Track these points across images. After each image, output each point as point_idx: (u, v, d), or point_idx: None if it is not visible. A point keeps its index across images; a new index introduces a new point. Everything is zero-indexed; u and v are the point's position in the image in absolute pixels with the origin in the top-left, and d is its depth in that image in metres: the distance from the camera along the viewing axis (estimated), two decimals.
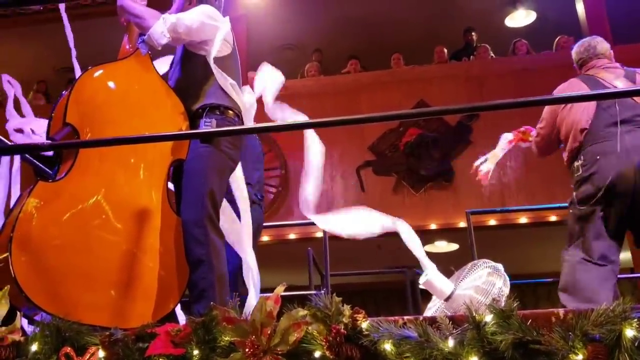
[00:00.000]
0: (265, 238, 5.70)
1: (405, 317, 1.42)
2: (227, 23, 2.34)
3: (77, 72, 2.43)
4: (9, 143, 2.11)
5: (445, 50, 7.30)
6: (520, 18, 8.26)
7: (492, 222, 6.01)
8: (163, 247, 2.09)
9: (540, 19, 8.15)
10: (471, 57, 7.35)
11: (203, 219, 2.10)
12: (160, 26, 2.17)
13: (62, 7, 2.45)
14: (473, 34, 7.69)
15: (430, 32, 8.00)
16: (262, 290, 3.08)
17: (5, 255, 1.83)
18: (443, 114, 4.15)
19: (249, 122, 2.45)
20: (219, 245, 2.14)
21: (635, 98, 2.66)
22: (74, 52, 2.52)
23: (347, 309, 1.41)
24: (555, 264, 8.54)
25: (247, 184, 3.04)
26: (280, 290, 1.47)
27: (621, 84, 2.74)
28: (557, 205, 5.30)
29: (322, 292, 3.50)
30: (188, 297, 2.15)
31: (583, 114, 2.72)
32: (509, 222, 6.07)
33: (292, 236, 6.17)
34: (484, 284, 2.42)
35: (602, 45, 3.01)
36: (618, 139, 2.61)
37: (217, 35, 2.25)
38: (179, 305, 2.18)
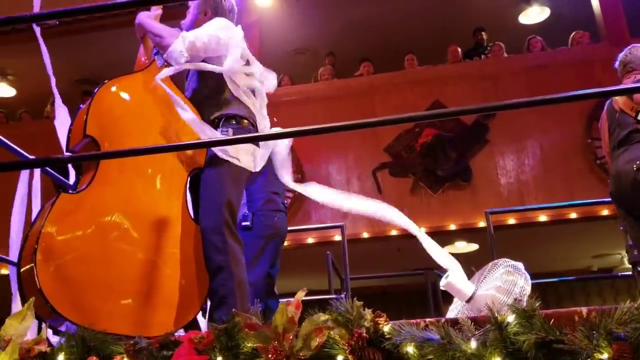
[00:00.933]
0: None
1: (427, 320, 1.42)
2: (240, 36, 2.37)
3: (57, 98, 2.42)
4: (30, 157, 2.14)
5: (459, 50, 7.27)
6: (534, 15, 8.20)
7: (512, 221, 5.96)
8: (183, 255, 2.11)
9: (555, 15, 8.08)
10: (482, 56, 7.31)
11: (221, 226, 2.12)
12: (179, 45, 2.21)
13: (37, 30, 2.49)
14: (483, 33, 7.64)
15: (442, 31, 7.97)
16: (282, 296, 3.10)
17: (30, 266, 1.85)
18: (458, 115, 4.12)
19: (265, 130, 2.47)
20: (238, 252, 2.16)
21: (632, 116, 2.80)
22: (53, 80, 2.52)
23: (368, 313, 1.41)
24: (577, 262, 8.48)
25: (275, 193, 3.08)
26: (301, 296, 1.48)
27: None
28: (577, 202, 5.27)
29: (343, 296, 3.51)
30: (209, 304, 2.16)
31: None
32: (529, 220, 6.02)
33: (310, 240, 6.18)
34: (505, 283, 2.40)
35: None
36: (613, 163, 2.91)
37: (232, 51, 2.28)
38: (200, 313, 2.19)
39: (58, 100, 2.30)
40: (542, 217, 5.99)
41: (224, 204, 2.16)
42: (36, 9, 2.18)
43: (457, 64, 7.07)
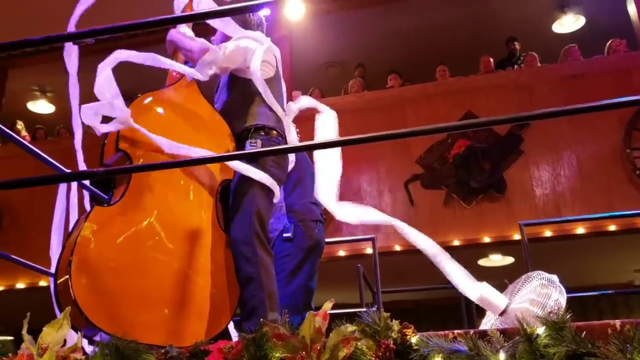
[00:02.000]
0: None
1: (456, 331, 1.40)
2: (266, 44, 2.40)
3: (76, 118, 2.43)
4: (66, 170, 2.20)
5: (492, 60, 7.22)
6: (568, 23, 8.10)
7: (548, 233, 5.85)
8: (214, 266, 2.13)
9: (590, 23, 7.97)
10: (515, 66, 7.23)
11: (251, 237, 2.14)
12: (209, 57, 2.26)
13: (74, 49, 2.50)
14: (516, 43, 7.57)
15: (474, 42, 7.93)
16: (315, 309, 3.09)
17: (65, 277, 1.90)
18: (492, 125, 4.07)
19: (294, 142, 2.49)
20: (268, 263, 2.18)
21: None
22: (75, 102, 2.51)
23: (395, 324, 1.40)
24: (619, 276, 8.27)
25: (314, 203, 3.08)
26: (328, 307, 1.48)
27: None
28: (617, 213, 5.14)
29: (374, 309, 3.48)
30: (239, 315, 2.18)
31: None
32: (566, 232, 5.89)
33: (341, 253, 6.16)
34: (539, 296, 2.35)
35: None
36: None
37: (257, 54, 2.31)
38: (231, 323, 2.21)
39: (77, 120, 2.34)
40: (580, 230, 5.85)
41: (254, 214, 2.18)
42: (71, 28, 2.25)
43: (489, 75, 7.01)
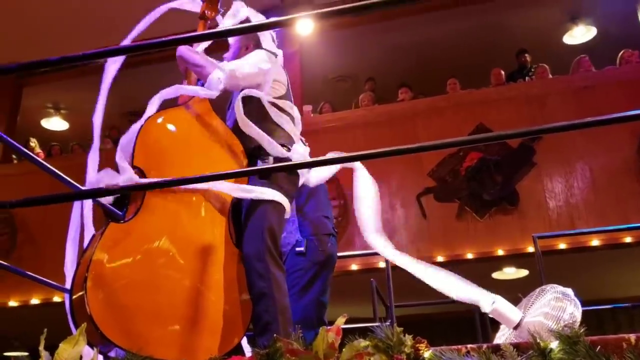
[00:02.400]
0: None
1: (469, 346, 1.40)
2: (277, 63, 2.43)
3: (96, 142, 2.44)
4: (81, 187, 2.23)
5: (503, 72, 7.21)
6: (580, 35, 8.08)
7: (562, 245, 5.81)
8: (227, 281, 2.14)
9: (602, 34, 7.95)
10: (526, 78, 7.22)
11: (263, 253, 2.15)
12: (219, 73, 2.29)
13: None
14: (526, 55, 7.56)
15: (484, 55, 7.94)
16: (327, 323, 3.09)
17: (81, 293, 1.92)
18: (504, 139, 4.06)
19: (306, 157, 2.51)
20: (280, 278, 2.18)
21: None
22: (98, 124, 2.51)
23: (409, 339, 1.40)
24: (637, 289, 8.15)
25: (326, 217, 3.08)
26: (341, 322, 1.49)
27: None
28: (632, 225, 5.09)
29: (387, 323, 3.46)
30: (253, 330, 2.19)
31: None
32: (581, 245, 5.84)
33: (354, 267, 6.15)
34: (553, 309, 2.34)
35: None
36: None
37: (268, 76, 2.34)
38: (244, 339, 2.22)
39: (96, 143, 2.37)
40: (595, 242, 5.80)
41: (266, 230, 2.19)
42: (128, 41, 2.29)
43: (501, 87, 7.01)
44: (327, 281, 3.03)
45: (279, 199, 2.23)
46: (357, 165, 2.49)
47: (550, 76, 6.99)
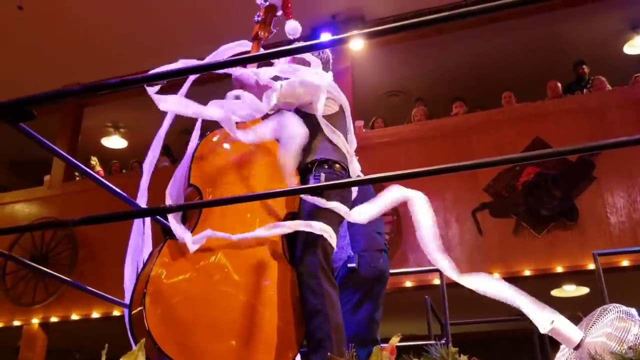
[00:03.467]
0: None
1: None
2: (328, 82, 2.45)
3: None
4: (141, 206, 2.30)
5: (559, 85, 7.05)
6: None
7: (625, 262, 5.59)
8: (280, 298, 2.16)
9: None
10: (584, 90, 7.03)
11: (317, 270, 2.16)
12: (272, 93, 2.33)
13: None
14: (584, 66, 7.37)
15: (540, 67, 7.78)
16: (380, 340, 3.05)
17: (139, 309, 1.97)
18: (565, 154, 3.95)
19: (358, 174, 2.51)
20: (334, 295, 2.18)
21: None
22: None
23: (464, 359, 1.38)
24: None
25: (378, 232, 3.05)
26: (395, 341, 1.48)
27: None
28: None
29: (442, 342, 3.39)
30: (306, 347, 2.19)
31: None
32: None
33: (408, 284, 6.08)
34: (616, 330, 2.25)
35: None
36: None
37: (320, 95, 2.36)
38: (298, 356, 2.22)
39: (150, 159, 2.43)
40: None
41: (319, 247, 2.20)
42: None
43: (557, 100, 6.84)
44: (380, 298, 2.99)
45: (331, 234, 2.21)
46: (413, 196, 2.42)
47: (609, 87, 6.78)
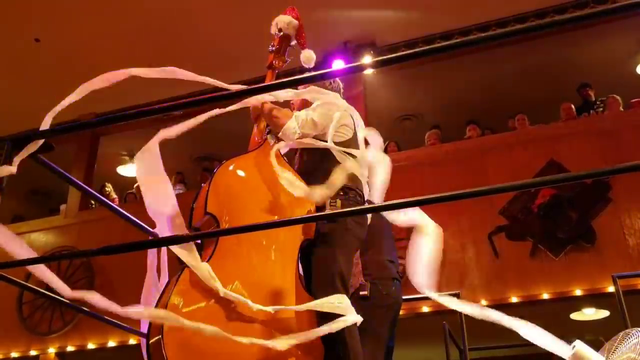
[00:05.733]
0: None
1: None
2: (343, 110, 2.47)
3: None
4: (159, 235, 2.31)
5: (573, 107, 7.03)
6: None
7: None
8: (298, 326, 2.15)
9: None
10: (591, 111, 7.01)
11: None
12: (293, 123, 2.36)
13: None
14: (588, 89, 7.36)
15: (553, 90, 7.78)
16: None
17: (157, 338, 1.97)
18: (584, 178, 3.92)
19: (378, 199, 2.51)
20: (353, 324, 2.16)
21: None
22: None
23: None
24: None
25: (390, 261, 3.04)
26: None
27: None
28: None
29: None
30: None
31: None
32: None
33: (425, 309, 6.01)
34: (639, 355, 2.21)
35: None
36: None
37: (333, 122, 2.38)
38: None
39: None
40: None
41: (336, 275, 2.19)
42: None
43: (571, 121, 6.82)
44: (394, 326, 2.98)
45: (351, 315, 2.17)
46: (429, 224, 2.40)
47: (622, 108, 6.75)
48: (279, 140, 2.43)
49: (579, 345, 2.30)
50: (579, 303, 6.17)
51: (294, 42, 2.74)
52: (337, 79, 2.75)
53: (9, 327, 7.69)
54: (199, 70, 2.27)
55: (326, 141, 2.39)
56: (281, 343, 1.93)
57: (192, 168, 9.24)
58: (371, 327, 2.83)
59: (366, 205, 2.38)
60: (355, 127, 2.58)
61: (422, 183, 6.39)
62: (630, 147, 5.90)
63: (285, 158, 2.53)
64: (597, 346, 2.35)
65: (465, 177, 6.24)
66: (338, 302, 2.07)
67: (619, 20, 6.88)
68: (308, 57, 2.71)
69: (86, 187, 2.46)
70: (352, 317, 2.07)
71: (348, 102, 2.68)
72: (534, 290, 5.80)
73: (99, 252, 1.78)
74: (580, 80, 7.50)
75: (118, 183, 9.79)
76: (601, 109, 7.05)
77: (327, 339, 2.13)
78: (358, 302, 2.85)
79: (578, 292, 5.72)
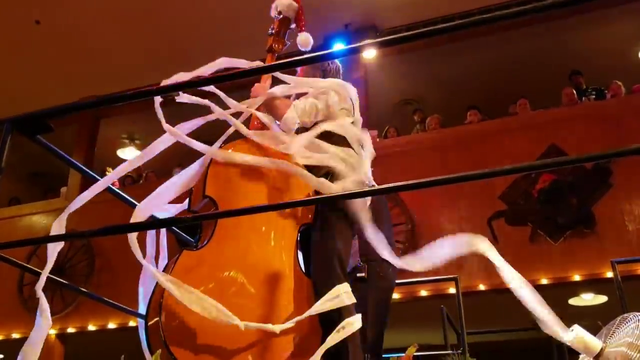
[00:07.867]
0: (395, 296, 5.63)
1: None
2: (341, 94, 2.46)
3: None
4: (159, 217, 2.31)
5: (575, 91, 7.00)
6: None
7: None
8: (296, 309, 2.15)
9: None
10: (583, 99, 6.99)
11: (333, 280, 2.15)
12: (292, 112, 2.35)
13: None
14: (579, 76, 7.33)
15: (554, 75, 7.74)
16: (396, 350, 3.04)
17: (156, 319, 1.98)
18: (583, 162, 3.90)
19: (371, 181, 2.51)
20: (350, 305, 2.17)
21: None
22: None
23: None
24: None
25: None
26: (412, 351, 1.47)
27: None
28: None
29: (459, 351, 3.37)
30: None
31: None
32: None
33: (423, 293, 6.04)
34: (637, 339, 2.22)
35: None
36: None
37: (334, 107, 2.37)
38: None
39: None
40: None
41: (335, 257, 2.20)
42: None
43: (573, 106, 6.79)
44: (389, 307, 3.00)
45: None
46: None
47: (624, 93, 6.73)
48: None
49: (577, 329, 2.31)
50: (577, 288, 6.20)
51: (293, 25, 2.72)
52: (336, 60, 2.73)
53: (10, 309, 7.74)
54: (199, 55, 2.26)
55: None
56: (277, 327, 1.94)
57: (191, 153, 9.22)
58: (367, 308, 2.85)
59: (365, 189, 2.37)
60: (354, 108, 2.56)
61: (422, 167, 6.38)
62: (631, 133, 5.89)
63: None
64: (594, 331, 2.36)
65: (465, 161, 6.24)
66: (338, 294, 2.08)
67: (622, 5, 6.84)
68: (305, 40, 2.69)
69: (87, 169, 2.46)
70: (357, 324, 2.08)
71: None
72: (533, 275, 5.82)
73: (98, 233, 1.78)
74: (582, 66, 7.46)
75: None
76: (593, 96, 7.03)
77: (325, 320, 2.13)
78: (355, 283, 2.87)
79: (577, 278, 5.74)
